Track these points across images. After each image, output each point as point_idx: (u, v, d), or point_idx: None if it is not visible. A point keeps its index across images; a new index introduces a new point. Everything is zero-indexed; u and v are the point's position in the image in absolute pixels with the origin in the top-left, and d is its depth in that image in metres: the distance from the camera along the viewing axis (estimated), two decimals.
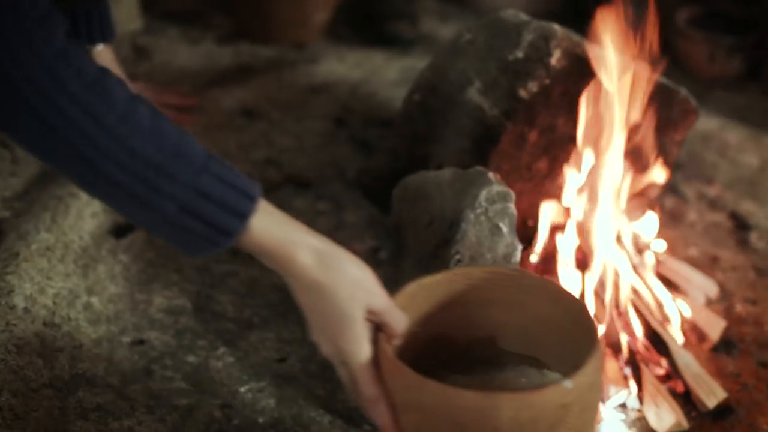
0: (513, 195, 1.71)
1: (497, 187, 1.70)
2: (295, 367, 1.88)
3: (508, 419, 1.31)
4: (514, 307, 1.61)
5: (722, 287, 2.32)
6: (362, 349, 1.41)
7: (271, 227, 1.36)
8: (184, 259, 2.09)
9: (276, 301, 2.02)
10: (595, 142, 1.96)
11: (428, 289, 1.57)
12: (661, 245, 2.22)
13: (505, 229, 1.69)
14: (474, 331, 1.63)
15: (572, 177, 2.01)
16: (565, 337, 1.55)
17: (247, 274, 2.09)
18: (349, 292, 1.38)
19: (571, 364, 1.44)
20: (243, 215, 1.32)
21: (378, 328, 1.43)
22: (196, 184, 1.28)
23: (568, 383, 1.34)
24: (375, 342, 1.43)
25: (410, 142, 2.19)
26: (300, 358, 1.90)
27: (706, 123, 2.95)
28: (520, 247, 1.71)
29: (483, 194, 1.69)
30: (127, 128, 1.24)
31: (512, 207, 1.70)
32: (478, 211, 1.69)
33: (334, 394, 1.83)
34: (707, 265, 2.41)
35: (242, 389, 1.80)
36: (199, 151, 1.30)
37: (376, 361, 1.42)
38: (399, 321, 1.45)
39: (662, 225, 2.48)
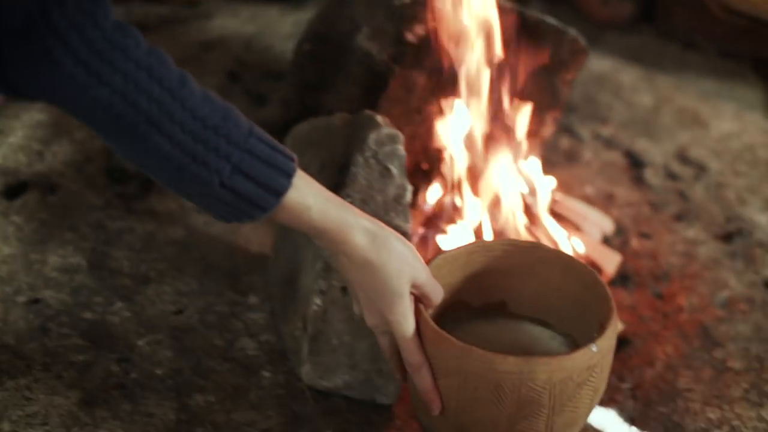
0: (402, 137, 1.71)
1: (386, 130, 1.70)
2: (192, 318, 1.88)
3: (542, 381, 1.44)
4: (527, 275, 1.72)
5: (618, 223, 2.36)
6: (408, 321, 1.47)
7: (326, 209, 1.41)
8: (78, 217, 2.07)
9: (172, 255, 2.02)
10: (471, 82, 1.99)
11: (451, 261, 1.66)
12: (553, 183, 2.24)
13: (394, 170, 1.70)
14: (487, 296, 1.73)
15: (457, 118, 2.02)
16: (574, 302, 1.69)
17: (143, 229, 2.08)
18: (397, 269, 1.44)
19: (577, 326, 1.67)
20: (289, 174, 1.35)
21: (417, 299, 1.51)
22: (247, 145, 1.32)
23: (594, 348, 1.48)
24: (416, 313, 1.50)
25: (302, 92, 2.19)
26: (197, 309, 1.90)
27: (600, 65, 2.99)
28: (410, 188, 1.71)
29: (372, 137, 1.69)
30: (186, 91, 1.27)
31: (401, 149, 1.70)
32: (368, 154, 1.69)
33: (232, 344, 1.84)
34: (603, 202, 2.45)
35: (140, 342, 1.80)
36: (241, 114, 1.34)
37: (417, 330, 1.50)
38: (437, 293, 1.53)
39: (558, 165, 2.52)
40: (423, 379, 1.49)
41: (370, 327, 1.51)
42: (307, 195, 1.39)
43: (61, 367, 1.72)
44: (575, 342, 1.68)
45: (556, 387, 1.46)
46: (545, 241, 2.08)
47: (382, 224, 1.47)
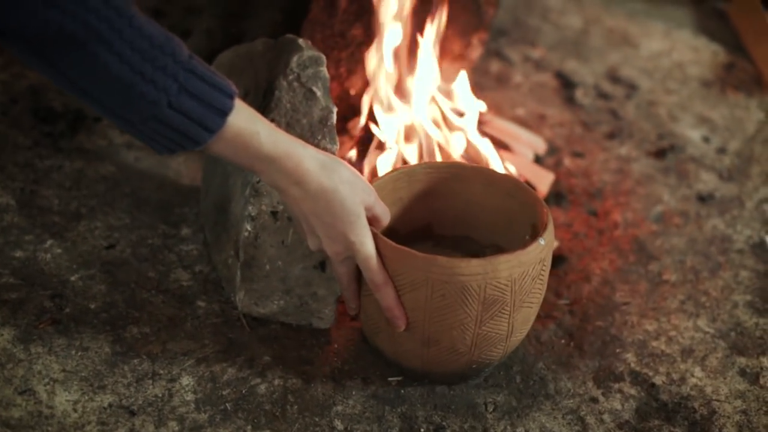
0: (324, 59, 1.70)
1: (308, 52, 1.69)
2: (125, 252, 1.87)
3: (505, 278, 1.53)
4: (449, 194, 1.79)
5: (550, 143, 2.38)
6: (368, 239, 1.52)
7: (275, 135, 1.42)
8: (5, 158, 2.05)
9: (103, 191, 2.00)
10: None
11: (379, 189, 1.67)
12: (481, 105, 2.25)
13: (319, 92, 1.69)
14: (413, 221, 1.78)
15: (384, 44, 2.01)
16: (498, 213, 1.77)
17: (72, 167, 2.06)
18: (350, 192, 1.48)
19: (505, 235, 1.76)
20: (230, 95, 1.36)
21: (368, 222, 1.54)
22: (190, 65, 1.32)
23: (542, 241, 1.57)
24: (374, 235, 1.55)
25: (224, 21, 2.17)
26: (130, 243, 1.89)
27: None
28: (335, 109, 1.71)
29: (294, 60, 1.69)
30: (132, 10, 1.27)
31: (324, 71, 1.70)
32: (291, 77, 1.68)
33: (166, 276, 1.83)
34: (535, 123, 2.46)
35: (72, 278, 1.79)
36: (179, 39, 1.34)
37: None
38: (386, 213, 1.58)
39: (489, 88, 2.52)
40: (388, 296, 1.55)
41: (331, 256, 1.54)
42: (255, 120, 1.40)
43: None
44: (504, 251, 1.69)
45: (516, 283, 1.54)
46: (479, 163, 2.08)
47: (327, 152, 1.49)
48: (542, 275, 1.60)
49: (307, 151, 1.45)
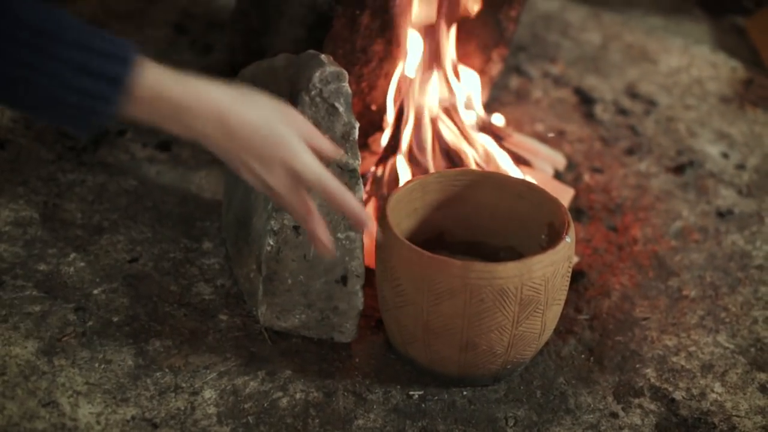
0: (346, 74, 1.70)
1: (330, 68, 1.70)
2: (147, 265, 1.88)
3: (539, 278, 1.58)
4: (460, 201, 1.82)
5: (570, 159, 2.38)
6: (311, 159, 1.44)
7: (184, 84, 1.34)
8: (29, 172, 2.06)
9: (125, 205, 2.02)
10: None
11: (395, 202, 1.72)
12: (500, 120, 2.25)
13: (341, 108, 1.69)
14: (427, 231, 1.81)
15: (408, 60, 2.02)
16: (510, 216, 1.81)
17: (95, 181, 2.07)
18: (279, 119, 1.43)
19: (518, 237, 1.81)
20: (125, 59, 1.27)
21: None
22: (80, 41, 1.23)
23: (568, 239, 1.63)
24: (410, 248, 1.59)
25: (246, 37, 2.18)
26: (152, 257, 1.90)
27: (548, 4, 3.00)
28: (357, 125, 1.71)
29: (316, 76, 1.69)
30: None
31: (347, 86, 1.70)
32: (313, 92, 1.69)
33: (188, 289, 1.84)
34: (554, 138, 2.46)
35: (95, 291, 1.80)
36: (67, 14, 1.27)
37: (411, 263, 1.59)
38: (329, 146, 1.51)
39: (509, 104, 2.53)
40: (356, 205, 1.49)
41: (280, 190, 1.46)
42: (160, 74, 1.32)
43: (17, 318, 1.72)
44: (518, 253, 1.77)
45: (549, 282, 1.59)
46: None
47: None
48: (569, 272, 1.66)
49: (218, 89, 1.38)
